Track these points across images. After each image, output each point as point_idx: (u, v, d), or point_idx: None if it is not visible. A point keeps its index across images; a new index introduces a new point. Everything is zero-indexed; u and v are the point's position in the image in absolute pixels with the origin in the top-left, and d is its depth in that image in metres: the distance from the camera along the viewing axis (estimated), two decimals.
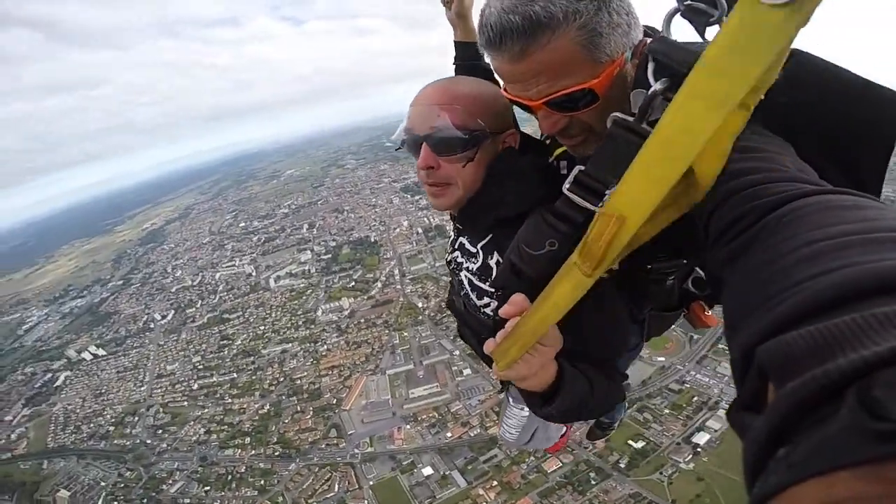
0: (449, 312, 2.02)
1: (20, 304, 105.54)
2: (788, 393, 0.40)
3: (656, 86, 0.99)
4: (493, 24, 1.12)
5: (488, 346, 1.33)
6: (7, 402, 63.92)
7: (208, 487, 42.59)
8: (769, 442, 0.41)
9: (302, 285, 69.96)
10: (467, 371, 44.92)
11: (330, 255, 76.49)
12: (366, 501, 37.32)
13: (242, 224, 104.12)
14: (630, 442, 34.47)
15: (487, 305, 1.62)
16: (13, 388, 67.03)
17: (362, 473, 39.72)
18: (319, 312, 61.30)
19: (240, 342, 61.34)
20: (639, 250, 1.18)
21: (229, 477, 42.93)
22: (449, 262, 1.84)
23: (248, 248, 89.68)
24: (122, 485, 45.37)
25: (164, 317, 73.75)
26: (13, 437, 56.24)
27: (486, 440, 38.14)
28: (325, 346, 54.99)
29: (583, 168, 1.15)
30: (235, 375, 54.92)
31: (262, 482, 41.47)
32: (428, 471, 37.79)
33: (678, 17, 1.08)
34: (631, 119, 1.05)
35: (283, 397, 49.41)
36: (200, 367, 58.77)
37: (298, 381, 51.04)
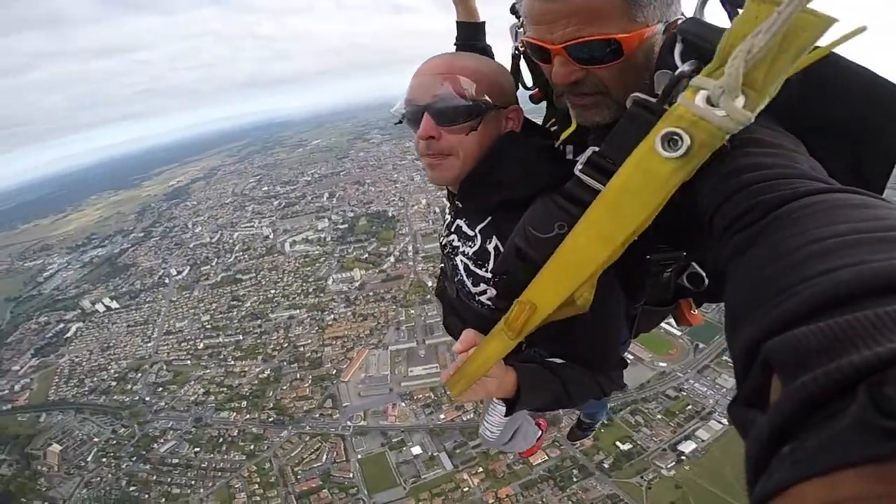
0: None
1: (44, 250, 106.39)
2: (798, 388, 0.39)
3: (684, 67, 0.96)
4: None
5: (443, 378, 1.43)
6: (17, 351, 63.80)
7: (198, 449, 41.79)
8: (773, 439, 0.40)
9: (316, 252, 68.70)
10: None
11: (347, 226, 75.20)
12: (351, 474, 36.70)
13: (265, 188, 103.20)
14: (618, 443, 34.20)
15: (483, 293, 1.54)
16: (25, 336, 67.05)
17: (352, 446, 38.79)
18: (330, 281, 59.75)
19: (249, 304, 60.27)
20: (639, 240, 1.22)
21: (221, 440, 42.03)
22: (444, 246, 1.75)
23: (268, 211, 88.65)
24: (115, 441, 44.73)
25: (179, 272, 73.19)
26: (17, 388, 56.02)
27: (478, 426, 36.47)
28: (332, 316, 53.57)
29: (597, 149, 1.13)
30: (241, 338, 53.87)
31: (253, 447, 40.59)
32: (417, 450, 37.28)
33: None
34: (653, 100, 1.02)
35: (285, 363, 48.24)
36: (208, 326, 57.85)
37: (301, 349, 49.85)
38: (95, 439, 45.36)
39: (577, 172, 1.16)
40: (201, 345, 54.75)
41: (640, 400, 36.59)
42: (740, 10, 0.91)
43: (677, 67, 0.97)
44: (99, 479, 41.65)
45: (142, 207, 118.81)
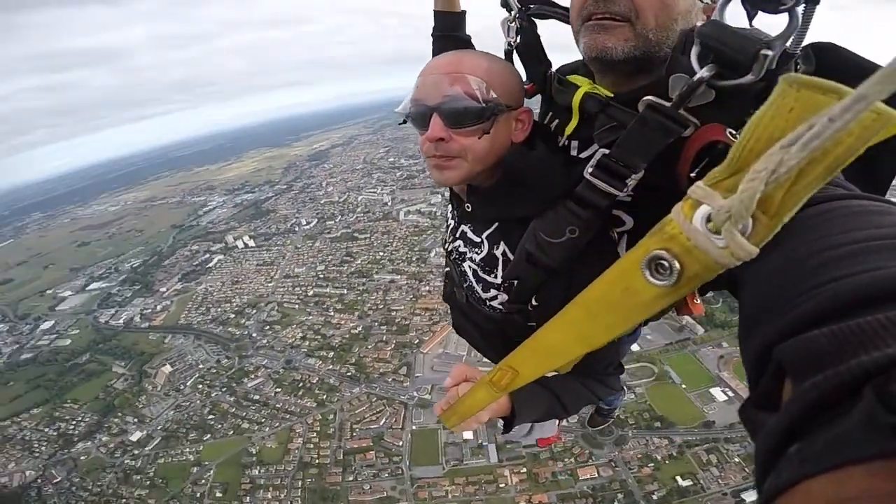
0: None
1: (208, 189, 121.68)
2: (808, 388, 0.39)
3: (703, 72, 0.92)
4: None
5: (436, 410, 1.45)
6: (169, 274, 72.56)
7: (279, 390, 43.80)
8: (783, 438, 0.39)
9: (425, 224, 69.10)
10: None
11: None
12: (400, 443, 36.33)
13: (391, 159, 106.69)
14: (678, 478, 30.71)
15: (494, 298, 1.49)
16: (177, 262, 76.03)
17: (410, 416, 38.31)
18: (432, 254, 59.39)
19: (359, 262, 62.36)
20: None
21: (300, 385, 43.71)
22: (449, 253, 1.68)
23: (390, 180, 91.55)
24: (215, 370, 48.41)
25: (308, 223, 78.51)
26: (158, 308, 63.32)
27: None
28: (427, 287, 53.18)
29: (607, 152, 1.10)
30: (345, 292, 55.79)
31: (325, 397, 41.71)
32: (468, 435, 35.20)
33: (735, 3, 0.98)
34: (668, 105, 0.98)
35: (376, 324, 48.95)
36: (321, 276, 60.81)
37: (393, 313, 50.31)
38: (200, 366, 49.65)
39: (587, 176, 1.13)
40: (311, 292, 57.66)
41: (724, 440, 32.14)
42: (762, 12, 0.89)
43: (693, 71, 0.93)
44: (188, 403, 45.50)
45: (288, 164, 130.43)
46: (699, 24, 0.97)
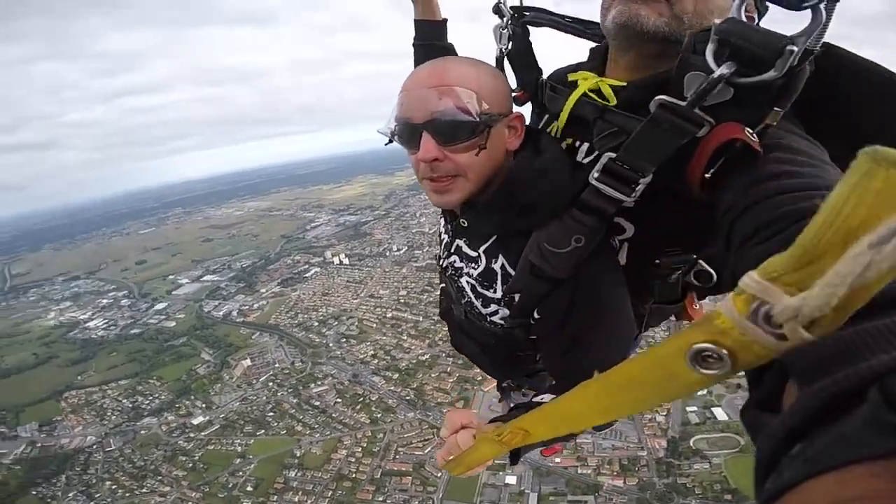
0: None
1: (317, 207, 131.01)
2: (815, 392, 0.38)
3: (721, 69, 0.87)
4: None
5: (439, 460, 1.35)
6: (270, 277, 78.19)
7: (339, 400, 44.19)
8: (787, 439, 0.38)
9: None
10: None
11: None
12: (439, 474, 34.31)
13: None
14: None
15: (495, 313, 1.40)
16: (280, 268, 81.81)
17: None
18: None
19: (438, 293, 62.41)
20: (646, 244, 1.26)
21: (360, 399, 43.75)
22: (444, 269, 1.59)
23: None
24: (287, 372, 50.14)
25: (398, 249, 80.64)
26: (254, 306, 68.02)
27: (590, 484, 32.29)
28: None
29: (613, 155, 1.05)
30: (421, 319, 55.68)
31: (380, 415, 41.35)
32: (511, 479, 33.10)
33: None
34: (682, 104, 0.93)
35: (443, 354, 47.94)
36: (402, 300, 61.58)
37: None
38: (276, 365, 51.69)
39: (592, 181, 1.08)
40: (390, 314, 58.58)
41: None
42: (783, 9, 0.88)
43: (708, 69, 0.89)
44: (255, 398, 47.13)
45: (389, 192, 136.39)
46: (716, 21, 0.91)
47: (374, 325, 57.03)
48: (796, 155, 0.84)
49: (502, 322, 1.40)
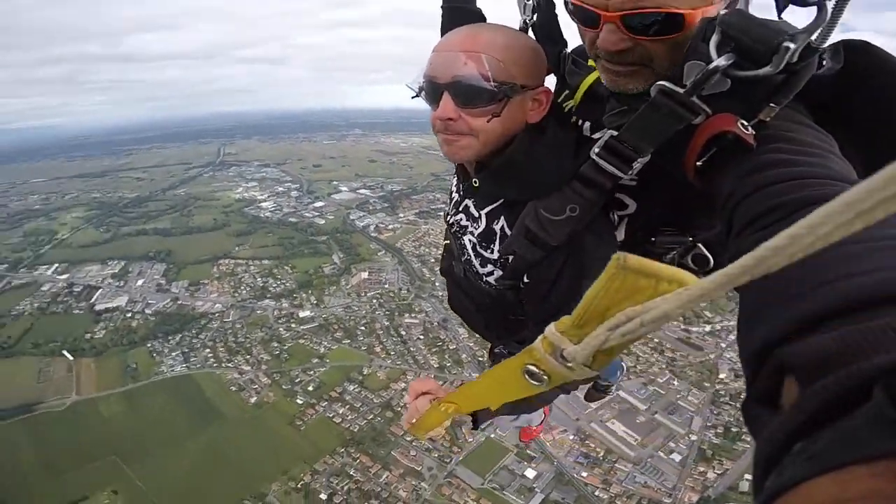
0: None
1: None
2: (818, 390, 0.38)
3: (720, 61, 0.88)
4: None
5: (404, 423, 1.49)
6: (411, 206, 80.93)
7: (421, 337, 44.38)
8: (789, 438, 0.38)
9: None
10: (678, 456, 31.96)
11: None
12: (471, 439, 33.59)
13: None
14: None
15: (490, 274, 1.48)
16: (422, 201, 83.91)
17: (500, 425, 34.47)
18: None
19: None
20: (644, 222, 1.34)
21: (439, 343, 43.31)
22: (451, 225, 1.65)
23: None
24: (392, 294, 51.68)
25: None
26: (390, 227, 71.80)
27: None
28: None
29: (615, 134, 1.10)
30: None
31: (448, 364, 40.50)
32: (530, 473, 31.93)
33: None
34: (680, 90, 0.95)
35: None
36: None
37: None
38: (386, 286, 54.08)
39: (593, 156, 1.13)
40: None
41: None
42: (792, 5, 0.88)
43: (710, 58, 0.90)
44: (356, 309, 49.30)
45: None
46: (723, 12, 0.92)
47: None
48: (798, 146, 0.84)
49: (495, 283, 1.45)
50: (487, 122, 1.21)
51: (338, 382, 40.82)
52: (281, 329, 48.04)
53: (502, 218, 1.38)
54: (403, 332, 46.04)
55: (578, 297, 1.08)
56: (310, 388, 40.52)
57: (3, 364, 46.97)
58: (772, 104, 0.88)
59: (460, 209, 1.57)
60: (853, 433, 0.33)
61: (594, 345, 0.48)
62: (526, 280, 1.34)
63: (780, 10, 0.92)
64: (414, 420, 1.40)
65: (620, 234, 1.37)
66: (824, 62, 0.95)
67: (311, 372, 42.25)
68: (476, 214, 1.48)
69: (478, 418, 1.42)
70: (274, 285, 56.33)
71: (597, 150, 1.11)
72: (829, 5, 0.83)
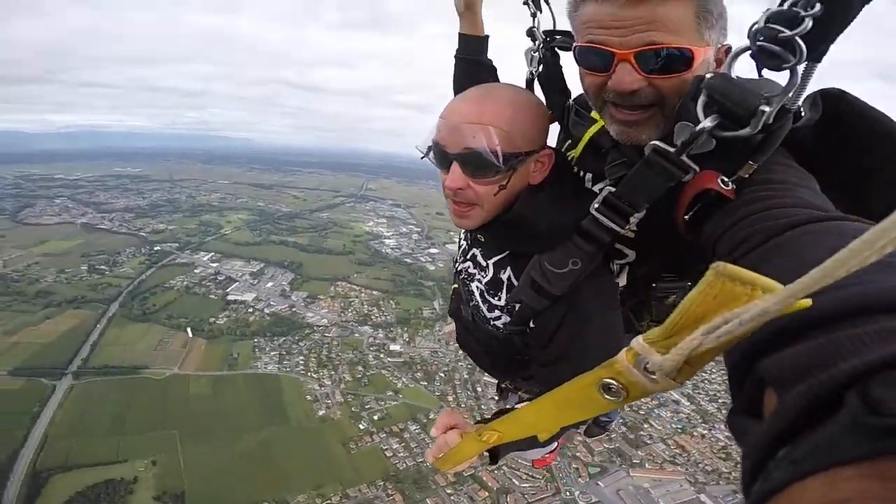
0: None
1: None
2: (795, 397, 0.39)
3: (706, 122, 0.93)
4: None
5: (429, 458, 1.46)
6: None
7: (495, 398, 43.49)
8: (772, 445, 0.40)
9: None
10: None
11: None
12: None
13: None
14: None
15: (498, 318, 1.51)
16: None
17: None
18: None
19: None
20: (644, 270, 1.41)
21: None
22: (459, 272, 1.71)
23: None
24: None
25: None
26: None
27: None
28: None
29: (612, 190, 1.13)
30: None
31: None
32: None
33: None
34: (671, 150, 1.00)
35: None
36: None
37: None
38: None
39: (592, 212, 1.16)
40: None
41: None
42: (768, 71, 0.91)
43: (697, 119, 0.94)
44: (441, 356, 50.37)
45: None
46: (709, 75, 0.97)
47: None
48: (775, 184, 0.91)
49: (502, 327, 1.49)
50: (495, 195, 1.27)
51: (403, 419, 41.65)
52: (370, 356, 50.81)
53: (509, 268, 1.43)
54: (479, 389, 45.69)
55: (580, 344, 1.21)
56: (375, 417, 41.90)
57: (136, 327, 56.10)
58: (750, 161, 0.95)
59: (468, 257, 1.62)
60: (833, 438, 0.34)
61: (687, 349, 0.48)
62: (532, 326, 1.38)
63: (759, 70, 0.99)
64: (441, 454, 1.40)
65: (622, 280, 1.42)
66: (803, 113, 1.02)
67: (383, 402, 43.70)
68: (483, 264, 1.52)
69: (498, 453, 1.43)
70: (376, 315, 60.08)
71: (596, 205, 1.15)
72: (800, 70, 0.88)
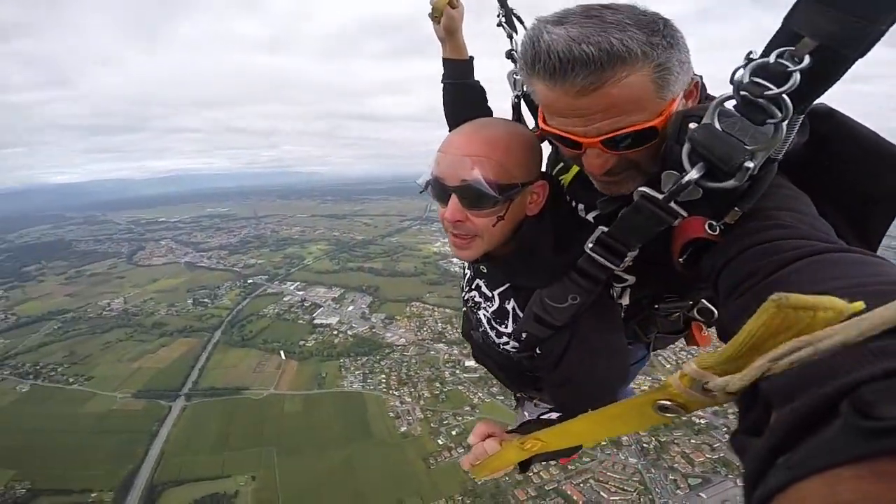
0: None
1: None
2: (792, 409, 0.41)
3: (692, 174, 0.91)
4: (560, 52, 0.93)
5: (464, 465, 1.49)
6: None
7: None
8: (771, 456, 0.41)
9: None
10: None
11: None
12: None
13: None
14: None
15: (506, 343, 1.52)
16: None
17: None
18: None
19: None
20: (646, 293, 1.43)
21: None
22: (466, 301, 1.72)
23: None
24: None
25: None
26: None
27: None
28: None
29: (605, 230, 1.13)
30: None
31: (604, 442, 37.63)
32: None
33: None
34: (659, 197, 0.98)
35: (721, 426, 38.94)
36: None
37: None
38: None
39: (587, 251, 1.16)
40: None
41: None
42: (752, 123, 0.88)
43: (683, 167, 0.93)
44: None
45: None
46: (692, 126, 0.94)
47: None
48: (772, 211, 0.90)
49: (512, 350, 1.51)
50: (494, 225, 1.26)
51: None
52: (446, 372, 52.01)
53: (512, 300, 1.45)
54: None
55: (585, 369, 1.35)
56: (453, 433, 42.51)
57: (237, 352, 61.83)
58: (736, 208, 0.93)
59: (473, 287, 1.64)
60: (828, 441, 0.35)
61: (754, 375, 0.48)
62: (538, 352, 1.41)
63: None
64: (477, 462, 1.41)
65: (625, 301, 1.42)
66: (791, 139, 0.99)
67: (460, 418, 44.37)
68: (489, 294, 1.54)
69: (530, 461, 1.42)
70: (450, 332, 61.24)
71: (590, 244, 1.15)
72: (784, 126, 0.86)
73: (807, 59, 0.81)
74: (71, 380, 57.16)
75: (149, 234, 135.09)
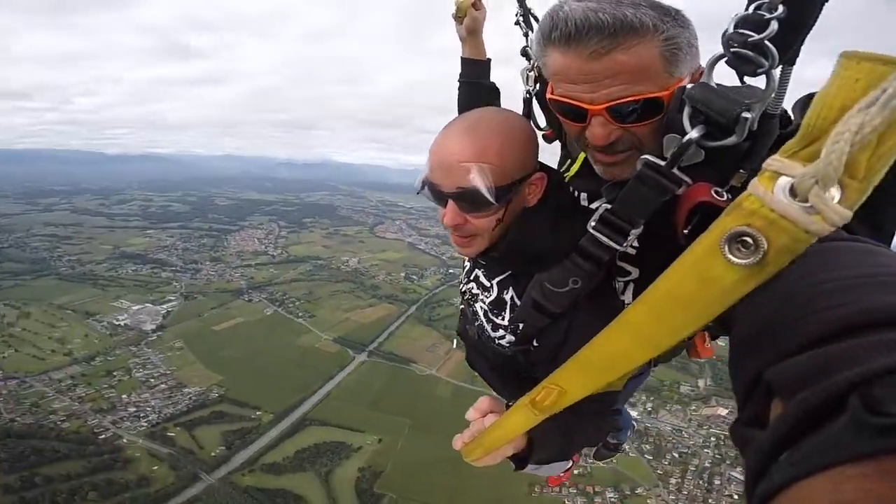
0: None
1: None
2: (798, 402, 0.39)
3: (692, 133, 0.91)
4: (578, 18, 0.98)
5: (456, 444, 1.36)
6: None
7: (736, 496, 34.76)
8: (774, 450, 0.39)
9: None
10: None
11: None
12: None
13: None
14: None
15: (502, 337, 1.48)
16: None
17: None
18: None
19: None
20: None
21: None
22: (463, 293, 1.69)
23: None
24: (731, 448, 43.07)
25: None
26: None
27: None
28: None
29: (609, 207, 1.08)
30: None
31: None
32: None
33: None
34: (662, 163, 0.96)
35: None
36: None
37: None
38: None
39: (590, 230, 1.10)
40: None
41: None
42: (747, 78, 0.90)
43: (685, 130, 0.92)
44: (686, 437, 42.93)
45: None
46: (689, 86, 0.95)
47: None
48: None
49: (507, 345, 1.45)
50: (493, 228, 1.24)
51: (604, 483, 38.47)
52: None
53: (511, 289, 1.40)
54: (717, 482, 37.86)
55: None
56: (576, 472, 39.00)
57: (421, 328, 68.83)
58: (741, 170, 0.93)
59: (471, 278, 1.59)
60: (835, 438, 0.34)
61: (845, 138, 0.39)
62: (535, 344, 1.34)
63: (740, 77, 0.95)
64: (471, 440, 1.30)
65: (628, 298, 1.35)
66: (793, 120, 0.99)
67: (590, 459, 39.97)
68: (487, 284, 1.49)
69: (524, 458, 1.34)
70: None
71: (593, 223, 1.09)
72: (776, 74, 0.85)
73: (780, 8, 0.83)
74: (300, 314, 72.48)
75: (389, 213, 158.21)
